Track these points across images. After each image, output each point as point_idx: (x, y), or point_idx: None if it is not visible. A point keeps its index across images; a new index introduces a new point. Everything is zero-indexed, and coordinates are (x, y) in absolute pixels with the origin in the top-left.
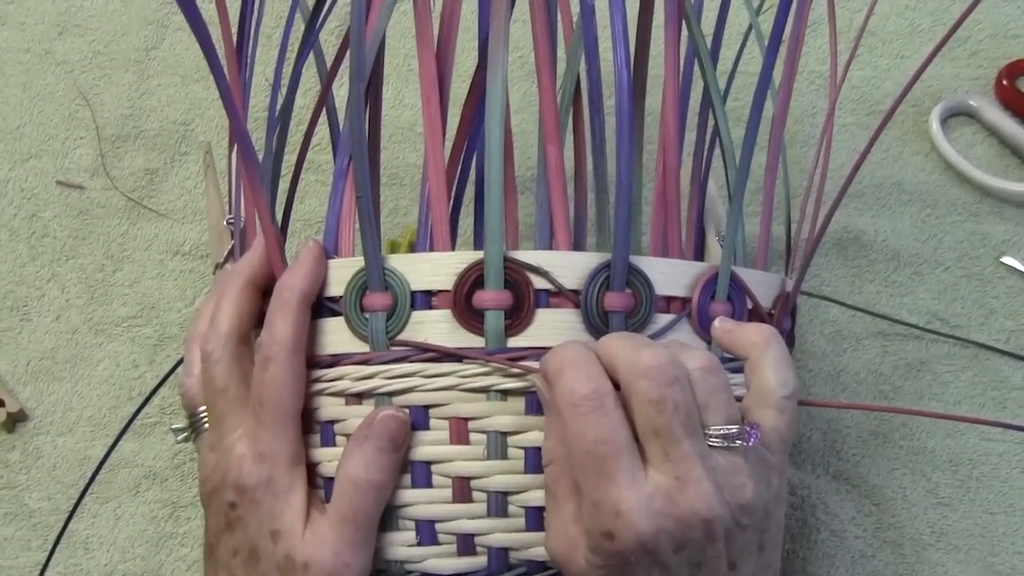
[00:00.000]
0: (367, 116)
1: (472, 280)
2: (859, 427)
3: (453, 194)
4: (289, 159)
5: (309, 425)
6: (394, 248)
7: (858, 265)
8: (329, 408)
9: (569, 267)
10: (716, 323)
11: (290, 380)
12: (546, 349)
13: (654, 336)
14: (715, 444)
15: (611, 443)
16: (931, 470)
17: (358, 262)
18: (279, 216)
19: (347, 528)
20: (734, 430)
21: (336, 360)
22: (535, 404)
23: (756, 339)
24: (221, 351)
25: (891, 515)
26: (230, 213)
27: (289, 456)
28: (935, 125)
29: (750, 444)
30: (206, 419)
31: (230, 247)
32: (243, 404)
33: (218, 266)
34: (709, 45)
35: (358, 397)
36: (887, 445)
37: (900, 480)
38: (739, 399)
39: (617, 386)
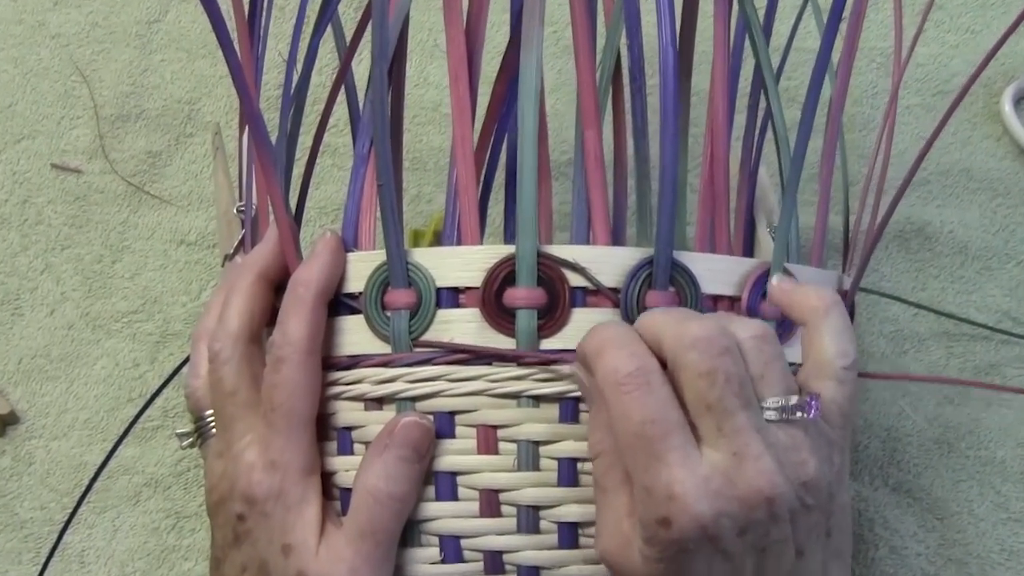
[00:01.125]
0: (390, 97)
1: (503, 276)
2: (921, 435)
3: (482, 180)
4: (304, 141)
5: (325, 432)
6: (417, 238)
7: (922, 259)
8: (347, 414)
9: (608, 263)
10: (773, 281)
11: (304, 383)
12: None
13: None
14: (772, 418)
15: (660, 422)
16: (1000, 482)
17: (379, 256)
18: (293, 204)
19: (365, 543)
20: (793, 401)
21: (355, 362)
22: (570, 411)
23: (816, 303)
24: (230, 351)
25: (956, 531)
26: (240, 200)
27: (302, 465)
28: (1007, 107)
29: (810, 416)
30: (213, 423)
31: (240, 237)
32: (253, 408)
33: (227, 257)
34: (761, 19)
35: (378, 402)
36: (952, 455)
37: (966, 493)
38: (793, 372)
39: (663, 364)
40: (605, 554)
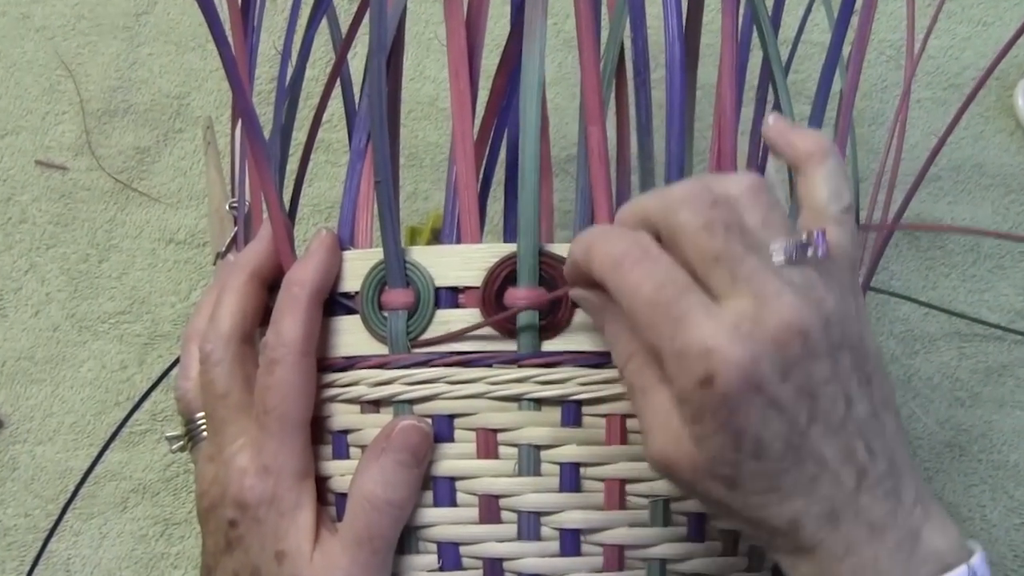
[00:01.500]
0: (387, 91)
1: (503, 276)
2: (932, 438)
3: (482, 176)
4: (297, 137)
5: (320, 435)
6: (415, 235)
7: (933, 257)
8: (342, 416)
9: None
10: (769, 119)
11: (298, 385)
12: (585, 354)
13: None
14: (781, 261)
15: (671, 283)
16: (1014, 487)
17: (376, 254)
18: (286, 201)
19: (362, 551)
20: (802, 239)
21: (351, 363)
22: (572, 415)
23: (811, 148)
24: (222, 351)
25: (968, 536)
26: (233, 196)
27: (296, 469)
28: (1021, 100)
29: (820, 254)
30: (204, 427)
31: (233, 235)
32: (245, 411)
33: (219, 256)
34: (770, 10)
35: (375, 405)
36: (964, 458)
37: (979, 498)
38: None
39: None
40: (658, 458)
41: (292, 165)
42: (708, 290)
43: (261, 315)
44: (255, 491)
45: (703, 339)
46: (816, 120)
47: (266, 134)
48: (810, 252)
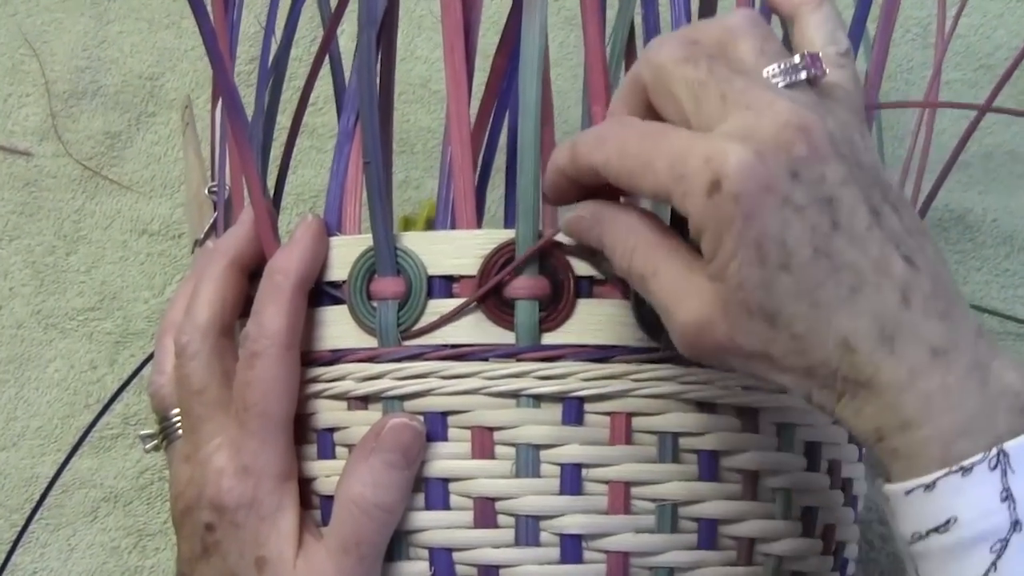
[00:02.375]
0: (379, 67)
1: (501, 264)
2: None
3: (480, 162)
4: (281, 121)
5: (304, 434)
6: (408, 225)
7: (963, 250)
8: (328, 414)
9: None
10: None
11: (281, 380)
12: (588, 348)
13: None
14: (779, 82)
15: (655, 130)
16: None
17: (365, 240)
18: (270, 188)
19: (348, 557)
20: (796, 59)
21: (337, 356)
22: (574, 412)
23: None
24: (199, 344)
25: None
26: (212, 180)
27: (278, 470)
28: None
29: (816, 71)
30: (179, 425)
31: (212, 221)
32: (224, 407)
33: (197, 243)
34: None
35: (363, 401)
36: None
37: None
38: None
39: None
40: (689, 324)
41: (276, 152)
42: (701, 129)
43: (241, 306)
44: (234, 493)
45: (700, 152)
46: None
47: (249, 116)
48: (803, 73)
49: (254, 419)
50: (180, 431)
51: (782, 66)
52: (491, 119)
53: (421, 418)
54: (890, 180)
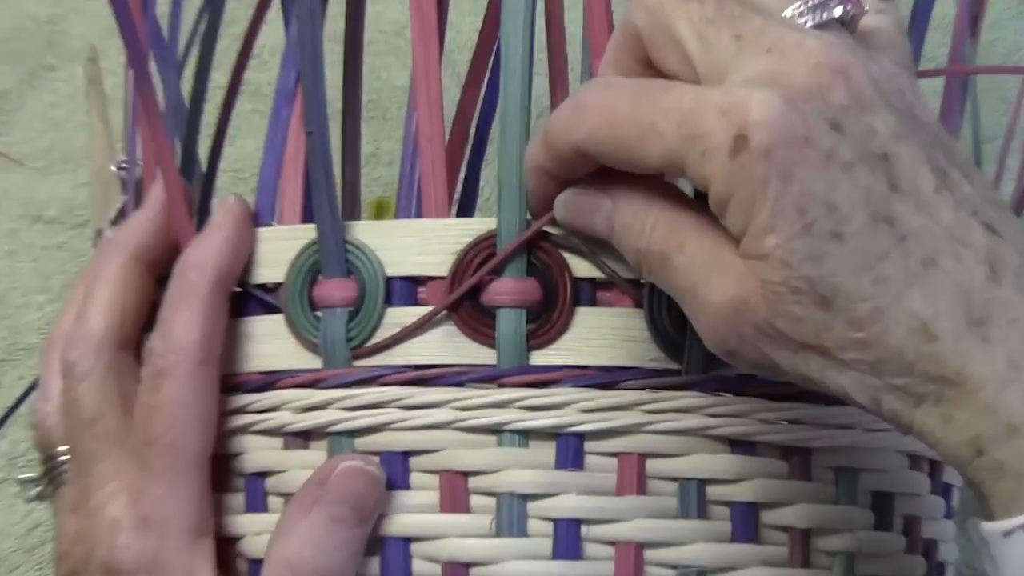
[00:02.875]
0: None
1: (479, 262)
2: None
3: (473, 134)
4: (217, 78)
5: (226, 479)
6: (381, 211)
7: None
8: (259, 454)
9: None
10: None
11: (194, 406)
12: (589, 370)
13: None
14: (806, 21)
15: (649, 88)
16: None
17: (307, 232)
18: (203, 162)
19: None
20: None
21: (271, 381)
22: (571, 453)
23: None
24: (91, 361)
25: None
26: (123, 154)
27: (188, 523)
28: None
29: (854, 8)
30: (67, 465)
31: (120, 205)
32: (121, 442)
33: (100, 233)
34: None
35: (303, 438)
36: None
37: None
38: None
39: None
40: (722, 307)
41: (211, 117)
42: (710, 81)
43: (146, 313)
44: (131, 552)
45: (715, 104)
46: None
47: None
48: (837, 9)
49: (159, 456)
50: (67, 473)
51: (809, 2)
52: (486, 77)
53: (377, 460)
54: (956, 144)
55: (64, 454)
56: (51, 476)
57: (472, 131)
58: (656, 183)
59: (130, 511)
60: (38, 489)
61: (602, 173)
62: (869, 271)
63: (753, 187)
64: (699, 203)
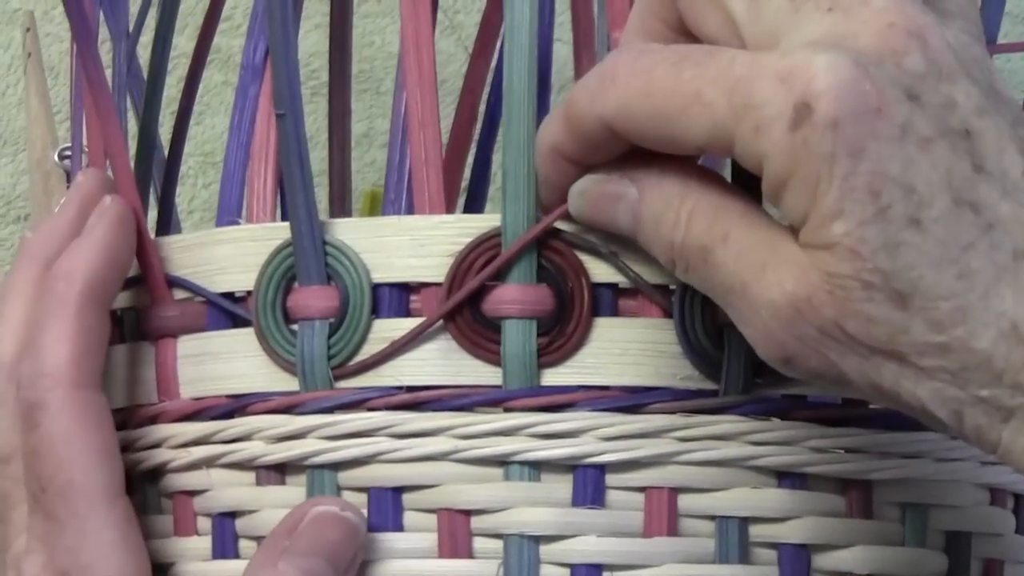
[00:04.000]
0: None
1: (482, 265)
2: None
3: (485, 117)
4: (180, 45)
5: (187, 520)
6: (375, 204)
7: None
8: (227, 491)
9: None
10: None
11: (79, 438)
12: (612, 391)
13: None
14: None
15: (689, 54)
16: None
17: (279, 231)
18: (165, 146)
19: None
20: None
21: (240, 405)
22: (590, 488)
23: None
24: (2, 386)
25: None
26: (67, 141)
27: (113, 570)
28: None
29: None
30: None
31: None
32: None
33: None
34: None
35: (279, 471)
36: None
37: None
38: None
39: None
40: (783, 305)
41: (175, 91)
42: (760, 47)
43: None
44: None
45: (772, 69)
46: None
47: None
48: None
49: (57, 503)
50: None
51: None
52: (497, 44)
53: (356, 506)
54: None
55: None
56: None
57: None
58: (690, 166)
59: (47, 570)
60: None
61: (624, 158)
62: (952, 264)
63: (817, 165)
64: (742, 190)
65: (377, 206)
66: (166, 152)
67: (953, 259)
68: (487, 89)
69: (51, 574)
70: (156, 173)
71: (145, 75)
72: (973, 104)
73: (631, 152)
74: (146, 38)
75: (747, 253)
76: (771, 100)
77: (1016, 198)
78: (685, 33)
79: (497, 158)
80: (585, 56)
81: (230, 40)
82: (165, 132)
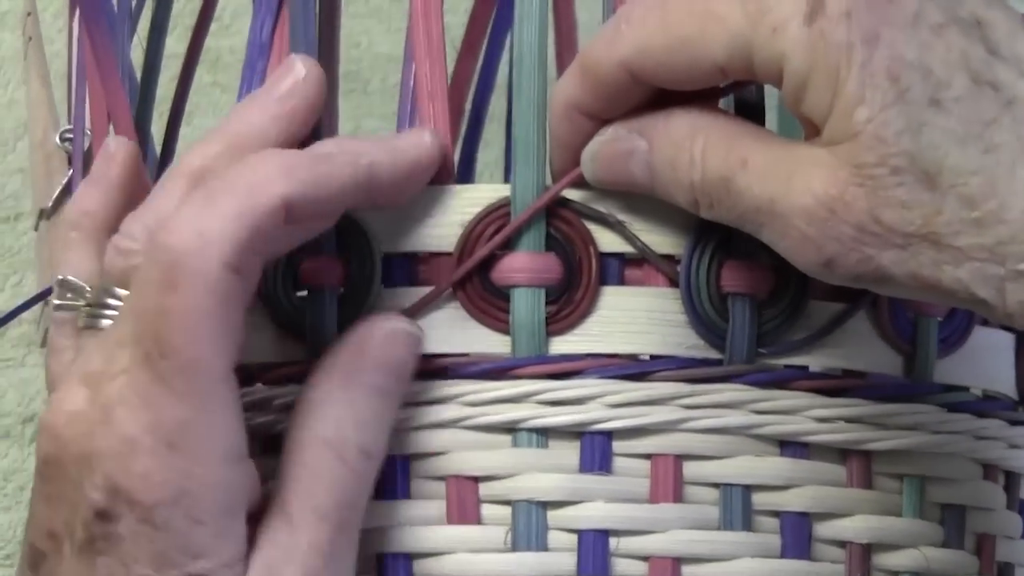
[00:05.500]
0: None
1: (491, 234)
2: None
3: (470, 105)
4: (172, 45)
5: None
6: None
7: None
8: None
9: (661, 216)
10: None
11: (219, 316)
12: (619, 358)
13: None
14: None
15: None
16: None
17: None
18: (157, 145)
19: (324, 526)
20: None
21: (250, 375)
22: (597, 455)
23: None
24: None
25: None
26: (68, 123)
27: (222, 450)
28: None
29: None
30: (115, 310)
31: (65, 181)
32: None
33: (43, 214)
34: None
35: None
36: None
37: None
38: None
39: None
40: (814, 205)
41: (165, 91)
42: None
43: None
44: (152, 481)
45: None
46: None
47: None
48: None
49: (180, 375)
50: (106, 322)
51: None
52: (485, 43)
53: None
54: None
55: (118, 299)
56: (91, 312)
57: (468, 107)
58: (694, 107)
59: (150, 433)
60: (68, 315)
61: (629, 115)
62: (977, 140)
63: (836, 55)
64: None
65: None
66: (159, 150)
67: (977, 135)
68: (471, 89)
69: (154, 439)
70: (150, 170)
71: (139, 75)
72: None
73: (637, 109)
74: (138, 37)
75: (770, 170)
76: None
77: None
78: None
79: (482, 156)
80: (567, 55)
81: (219, 41)
82: (157, 131)
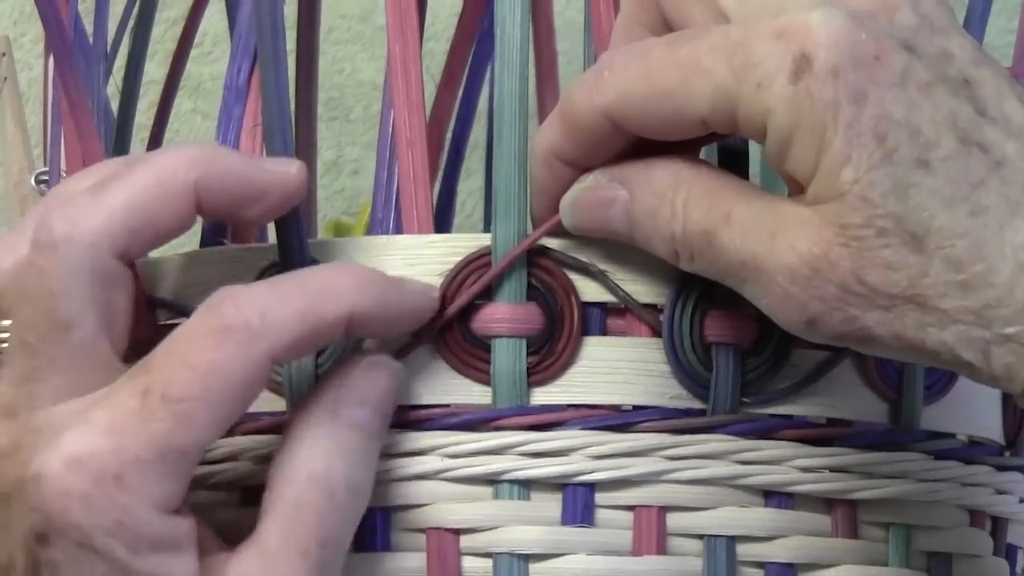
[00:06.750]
0: None
1: (472, 284)
2: None
3: (449, 137)
4: (151, 72)
5: None
6: (341, 234)
7: None
8: (214, 512)
9: (643, 265)
10: None
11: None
12: (601, 409)
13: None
14: None
15: (687, 35)
16: None
17: (266, 251)
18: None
19: (305, 563)
20: None
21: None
22: (579, 507)
23: None
24: (81, 251)
25: None
26: (44, 165)
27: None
28: None
29: None
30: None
31: None
32: (92, 356)
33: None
34: None
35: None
36: None
37: None
38: None
39: None
40: (798, 262)
41: (143, 118)
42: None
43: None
44: (91, 507)
45: (768, 30)
46: None
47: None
48: None
49: (168, 419)
50: None
51: None
52: (465, 73)
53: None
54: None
55: (4, 331)
56: None
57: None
58: (677, 158)
59: (98, 459)
60: None
61: (611, 163)
62: (964, 202)
63: (821, 112)
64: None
65: (342, 235)
66: None
67: (964, 196)
68: (452, 120)
69: (99, 465)
70: None
71: (116, 102)
72: (968, 55)
73: (618, 157)
74: (117, 64)
75: (753, 226)
76: (770, 55)
77: (1022, 139)
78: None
79: (462, 187)
80: (548, 89)
81: (200, 68)
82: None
